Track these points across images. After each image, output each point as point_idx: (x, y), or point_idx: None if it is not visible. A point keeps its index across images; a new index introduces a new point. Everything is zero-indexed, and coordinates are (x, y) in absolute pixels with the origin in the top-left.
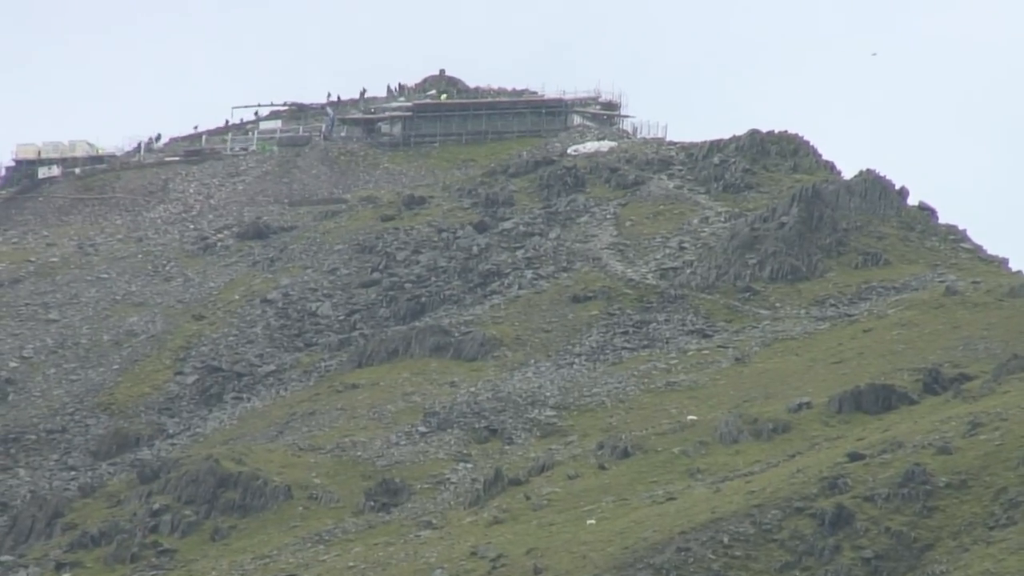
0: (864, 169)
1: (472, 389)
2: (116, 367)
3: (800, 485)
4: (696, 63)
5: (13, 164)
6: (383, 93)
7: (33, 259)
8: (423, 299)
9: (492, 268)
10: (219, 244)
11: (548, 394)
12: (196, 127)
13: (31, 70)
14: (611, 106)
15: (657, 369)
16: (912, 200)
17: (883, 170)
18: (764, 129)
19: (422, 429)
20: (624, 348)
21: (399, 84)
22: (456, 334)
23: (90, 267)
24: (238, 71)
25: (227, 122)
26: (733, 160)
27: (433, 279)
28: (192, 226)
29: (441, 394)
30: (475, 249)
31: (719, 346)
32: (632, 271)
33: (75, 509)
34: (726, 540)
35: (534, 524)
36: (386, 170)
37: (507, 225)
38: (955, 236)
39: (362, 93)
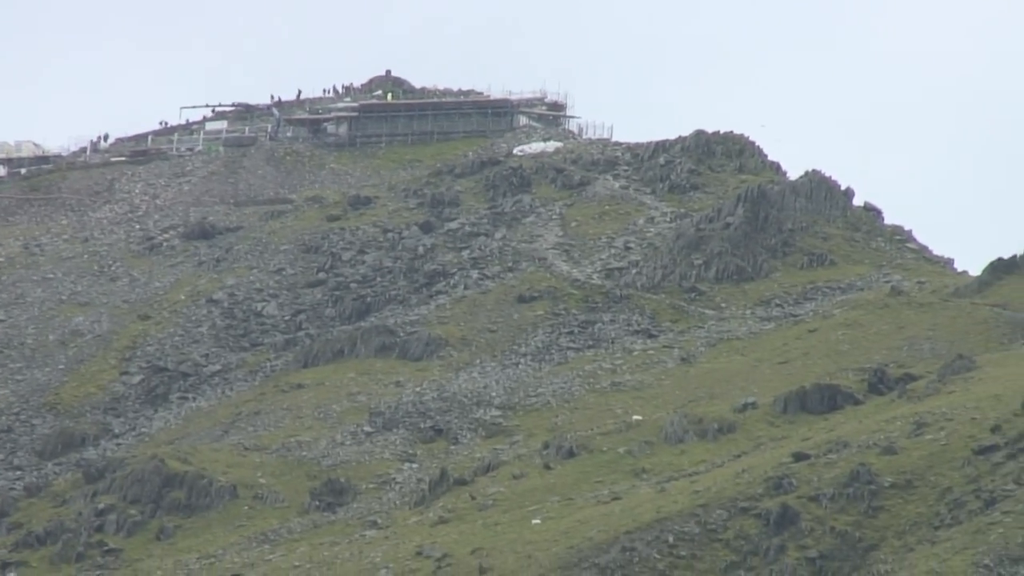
0: (810, 170)
1: (418, 389)
2: (62, 367)
3: (745, 485)
4: (642, 63)
5: None
6: (320, 94)
7: None
8: (369, 299)
9: (438, 268)
10: (165, 244)
11: (494, 394)
12: (165, 123)
13: None
14: (557, 107)
15: (602, 369)
16: (858, 201)
17: (829, 171)
18: (710, 130)
19: (367, 429)
20: (569, 348)
21: (343, 85)
22: (402, 334)
23: (36, 267)
24: (184, 72)
25: (163, 123)
26: (679, 161)
27: (379, 279)
28: (138, 226)
29: (386, 394)
30: (421, 249)
31: (664, 346)
32: (578, 271)
33: (20, 508)
34: (671, 540)
35: (479, 524)
36: (332, 170)
37: (453, 225)
38: (900, 237)
39: (298, 94)
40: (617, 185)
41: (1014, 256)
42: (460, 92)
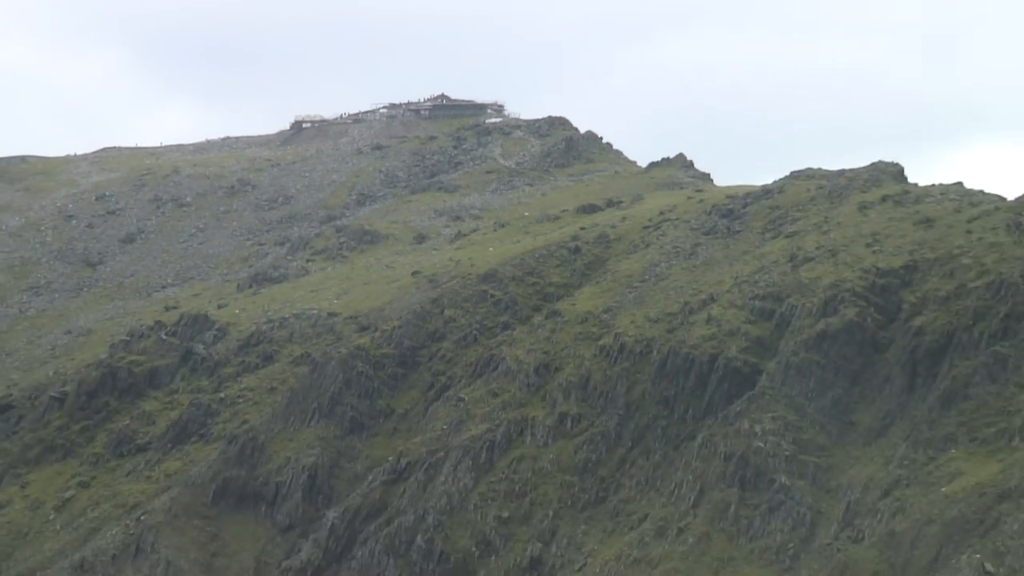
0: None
1: (454, 202)
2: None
3: (563, 239)
4: (538, 83)
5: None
6: (419, 99)
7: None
8: (436, 172)
9: (459, 161)
10: (363, 152)
11: (479, 205)
12: (362, 109)
13: (295, 83)
14: (499, 106)
15: (518, 197)
16: (605, 141)
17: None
18: (554, 114)
19: (439, 211)
20: (506, 188)
21: (427, 98)
22: (450, 184)
23: (319, 159)
24: (369, 83)
25: (361, 110)
26: (540, 125)
27: (440, 164)
28: (357, 139)
29: (442, 202)
30: (452, 154)
31: (542, 194)
32: (509, 162)
33: (314, 238)
34: (534, 260)
35: (473, 248)
36: (423, 127)
37: (465, 146)
38: (620, 154)
39: (407, 101)
40: (521, 134)
41: (661, 159)
42: (467, 100)
